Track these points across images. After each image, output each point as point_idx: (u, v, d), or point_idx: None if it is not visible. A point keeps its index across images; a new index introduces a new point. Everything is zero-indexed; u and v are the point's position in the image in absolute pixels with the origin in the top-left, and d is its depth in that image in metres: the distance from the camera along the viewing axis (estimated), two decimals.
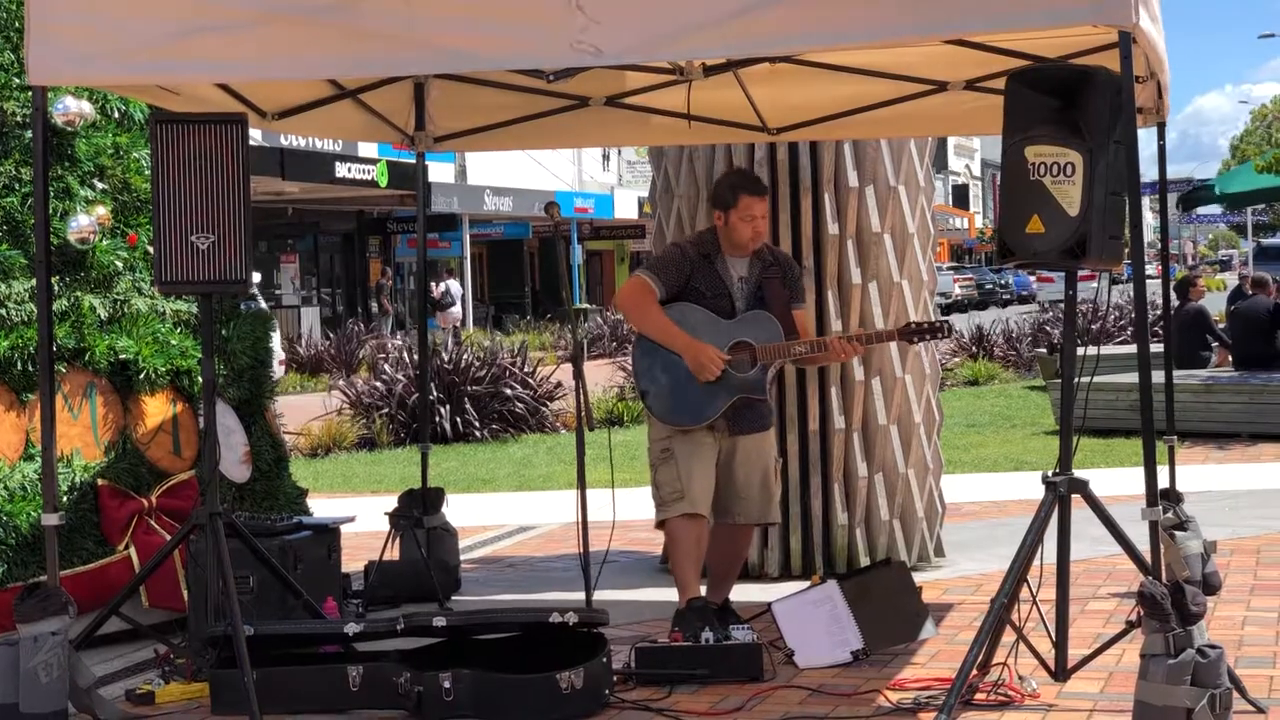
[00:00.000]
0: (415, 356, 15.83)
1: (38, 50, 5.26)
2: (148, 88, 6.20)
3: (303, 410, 16.56)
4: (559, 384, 16.75)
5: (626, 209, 47.50)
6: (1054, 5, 4.77)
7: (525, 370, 16.88)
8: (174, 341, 7.14)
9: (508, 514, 10.85)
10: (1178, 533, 6.60)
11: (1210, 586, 6.67)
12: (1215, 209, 37.42)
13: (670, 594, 6.67)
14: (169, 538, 6.39)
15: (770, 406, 6.55)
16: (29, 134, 6.75)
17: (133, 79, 5.81)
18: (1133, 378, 12.73)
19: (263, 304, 12.41)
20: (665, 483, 6.31)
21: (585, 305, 42.02)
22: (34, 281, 6.54)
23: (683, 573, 6.28)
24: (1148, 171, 7.36)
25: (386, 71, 6.60)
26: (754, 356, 6.27)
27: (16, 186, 6.80)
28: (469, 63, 5.55)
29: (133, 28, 5.21)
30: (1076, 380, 5.46)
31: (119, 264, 7.07)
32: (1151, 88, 6.32)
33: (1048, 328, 23.01)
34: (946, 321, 6.54)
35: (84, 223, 6.91)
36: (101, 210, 7.03)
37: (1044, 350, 20.21)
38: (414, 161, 8.42)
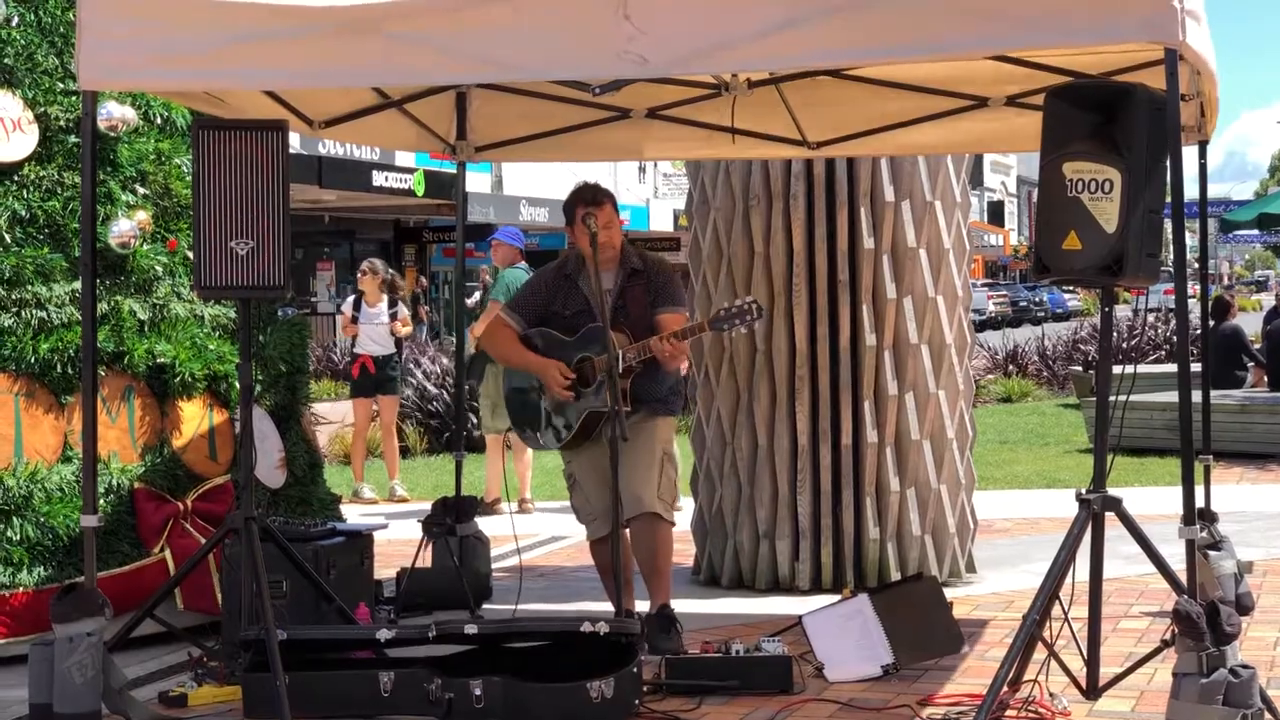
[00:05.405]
0: (451, 364, 15.87)
1: (88, 55, 5.29)
2: (196, 94, 6.24)
3: (336, 418, 16.57)
4: None
5: (662, 221, 47.45)
6: (1102, 22, 4.75)
7: None
8: (212, 346, 7.19)
9: (540, 523, 10.86)
10: (1211, 552, 6.57)
11: (1243, 607, 6.64)
12: (1253, 229, 37.24)
13: (702, 605, 6.69)
14: (204, 541, 6.43)
15: (654, 402, 6.62)
16: (72, 139, 6.81)
17: (182, 85, 5.83)
18: (1167, 397, 12.68)
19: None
20: (578, 508, 6.79)
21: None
22: (75, 285, 6.60)
23: (606, 589, 6.59)
24: (1187, 190, 7.33)
25: (433, 81, 6.64)
26: (594, 371, 6.49)
27: (59, 190, 6.86)
28: (516, 73, 5.57)
29: (183, 34, 5.24)
30: (1114, 398, 5.43)
31: (159, 269, 7.12)
32: (1194, 106, 6.28)
33: (1081, 345, 22.93)
34: (754, 301, 6.39)
35: (125, 227, 6.96)
36: (142, 215, 7.08)
37: (1078, 368, 20.12)
38: (451, 171, 8.45)
